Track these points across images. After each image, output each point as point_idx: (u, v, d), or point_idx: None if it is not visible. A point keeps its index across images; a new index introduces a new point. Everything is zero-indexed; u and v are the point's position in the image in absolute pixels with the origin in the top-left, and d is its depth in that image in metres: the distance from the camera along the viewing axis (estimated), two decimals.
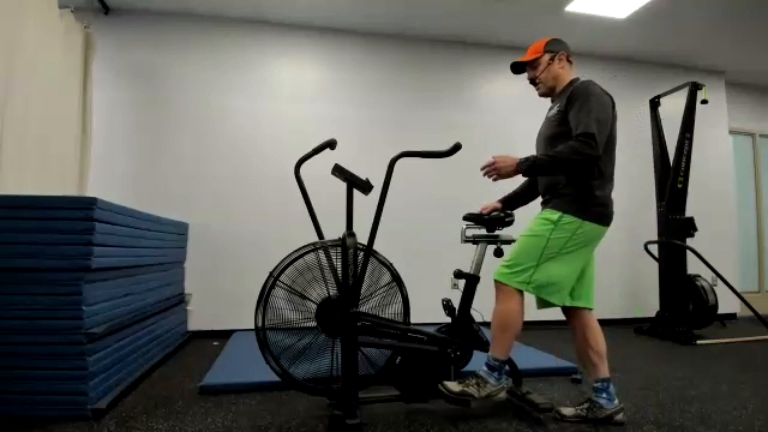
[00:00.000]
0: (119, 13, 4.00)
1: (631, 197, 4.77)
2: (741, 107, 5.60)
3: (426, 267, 4.05)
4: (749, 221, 5.66)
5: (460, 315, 2.16)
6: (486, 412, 2.10)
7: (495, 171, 1.94)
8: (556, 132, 1.99)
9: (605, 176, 1.95)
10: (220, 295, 3.91)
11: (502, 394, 1.97)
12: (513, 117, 4.54)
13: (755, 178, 5.76)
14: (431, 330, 2.16)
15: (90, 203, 2.02)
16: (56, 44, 3.09)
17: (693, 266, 4.05)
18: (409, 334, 2.09)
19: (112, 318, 2.23)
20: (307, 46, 4.34)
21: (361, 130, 4.32)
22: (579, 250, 1.92)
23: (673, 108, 4.41)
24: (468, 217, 2.23)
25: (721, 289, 4.00)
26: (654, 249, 4.25)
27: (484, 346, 2.09)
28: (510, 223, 2.18)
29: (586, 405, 1.98)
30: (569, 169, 1.90)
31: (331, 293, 2.01)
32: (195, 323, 3.84)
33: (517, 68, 2.18)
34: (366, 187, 2.00)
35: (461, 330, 2.14)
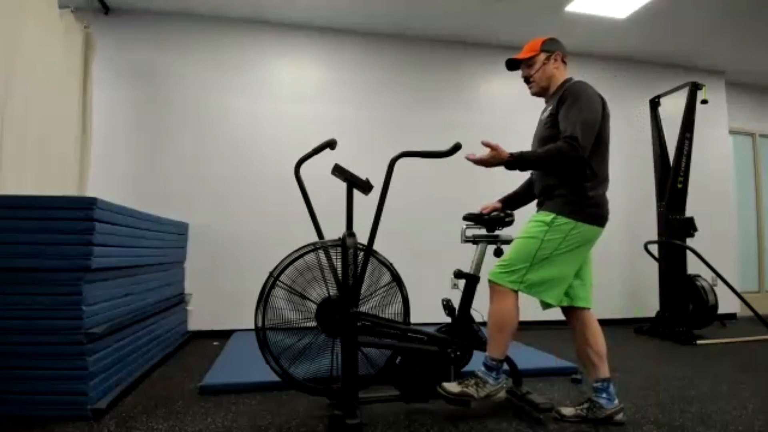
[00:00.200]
0: (119, 13, 4.00)
1: (631, 197, 4.78)
2: (741, 107, 5.60)
3: (426, 267, 4.05)
4: (749, 221, 5.66)
5: (460, 315, 2.16)
6: (486, 412, 2.10)
7: (483, 165, 1.95)
8: (548, 134, 1.99)
9: (598, 177, 1.96)
10: (220, 295, 3.91)
11: (502, 394, 1.97)
12: (513, 117, 4.54)
13: (755, 178, 5.76)
14: (431, 330, 2.16)
15: (90, 203, 2.02)
16: (56, 44, 3.09)
17: (693, 266, 4.05)
18: (409, 334, 2.09)
19: (112, 318, 2.23)
20: (307, 46, 4.35)
21: (361, 130, 4.32)
22: (573, 251, 1.93)
23: (673, 108, 4.41)
24: (468, 217, 2.23)
25: (721, 289, 4.00)
26: (654, 249, 4.25)
27: (483, 346, 2.09)
28: (510, 223, 2.18)
29: (586, 405, 1.98)
30: (553, 169, 1.95)
31: (331, 293, 2.01)
32: (195, 323, 3.84)
33: (512, 65, 2.16)
34: (366, 187, 2.00)
35: (461, 330, 2.14)
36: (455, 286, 2.29)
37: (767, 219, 5.73)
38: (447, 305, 2.21)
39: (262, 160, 4.11)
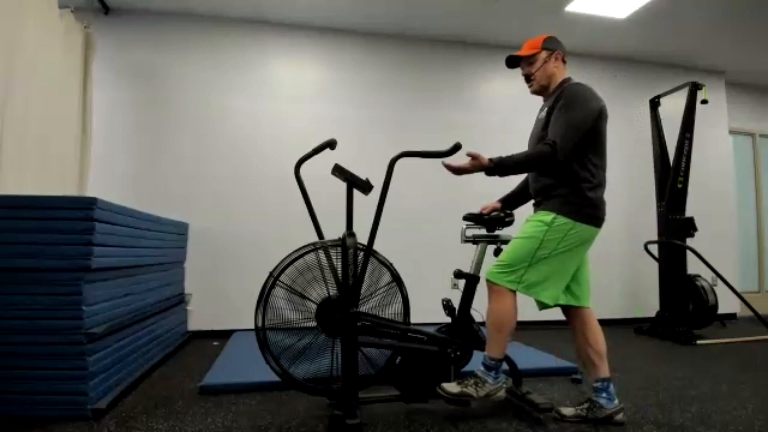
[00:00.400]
0: (119, 13, 4.00)
1: (631, 197, 4.78)
2: (741, 107, 5.60)
3: (426, 267, 4.05)
4: (749, 221, 5.66)
5: (460, 315, 2.16)
6: (486, 412, 2.10)
7: (462, 173, 1.95)
8: (544, 134, 1.99)
9: (597, 178, 1.96)
10: (220, 295, 3.91)
11: (501, 393, 1.97)
12: (513, 117, 4.54)
13: (755, 178, 5.76)
14: (431, 330, 2.16)
15: (90, 203, 2.02)
16: (56, 44, 3.09)
17: (693, 266, 4.05)
18: (409, 334, 2.09)
19: (112, 318, 2.23)
20: (307, 46, 4.34)
21: (361, 130, 4.32)
22: (571, 251, 1.93)
23: (673, 108, 4.41)
24: (468, 217, 2.23)
25: (721, 289, 4.00)
26: (654, 249, 4.24)
27: (483, 346, 2.08)
28: (510, 223, 2.18)
29: (586, 405, 1.98)
30: (532, 170, 2.06)
31: (331, 293, 2.01)
32: (195, 323, 3.84)
33: (512, 62, 2.16)
34: (366, 187, 2.00)
35: (461, 330, 2.14)
36: (455, 286, 2.29)
37: (767, 219, 5.73)
38: (447, 305, 2.21)
39: (262, 160, 4.11)
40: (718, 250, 4.52)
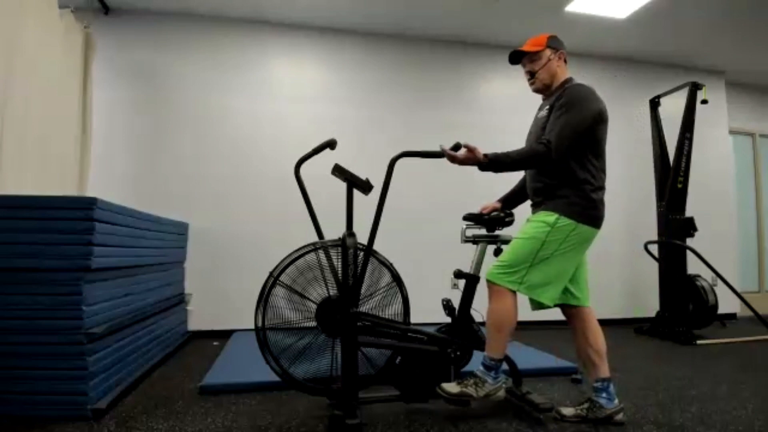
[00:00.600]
0: (119, 13, 4.00)
1: (631, 197, 4.78)
2: (741, 107, 5.60)
3: (426, 267, 4.05)
4: (749, 221, 5.66)
5: (460, 315, 2.16)
6: (486, 412, 2.10)
7: (456, 162, 1.93)
8: (543, 134, 1.99)
9: (598, 181, 1.97)
10: (220, 295, 3.91)
11: (501, 393, 1.96)
12: (513, 117, 4.52)
13: (755, 178, 5.75)
14: (431, 330, 2.16)
15: (90, 203, 2.02)
16: (56, 44, 3.09)
17: (693, 266, 4.05)
18: (409, 334, 2.09)
19: (112, 318, 2.23)
20: (307, 46, 4.34)
21: (361, 130, 4.32)
22: (571, 251, 1.93)
23: (673, 108, 4.41)
24: (468, 217, 2.23)
25: (721, 289, 4.00)
26: (654, 249, 4.24)
27: (483, 346, 2.09)
28: (510, 222, 2.18)
29: (586, 405, 1.98)
30: (526, 168, 2.08)
31: (331, 293, 2.01)
32: (195, 323, 3.84)
33: (515, 58, 2.14)
34: (366, 187, 2.00)
35: (461, 330, 2.14)
36: (455, 286, 2.29)
37: (767, 219, 5.73)
38: (447, 305, 2.21)
39: (262, 160, 4.11)
40: (718, 250, 4.52)
